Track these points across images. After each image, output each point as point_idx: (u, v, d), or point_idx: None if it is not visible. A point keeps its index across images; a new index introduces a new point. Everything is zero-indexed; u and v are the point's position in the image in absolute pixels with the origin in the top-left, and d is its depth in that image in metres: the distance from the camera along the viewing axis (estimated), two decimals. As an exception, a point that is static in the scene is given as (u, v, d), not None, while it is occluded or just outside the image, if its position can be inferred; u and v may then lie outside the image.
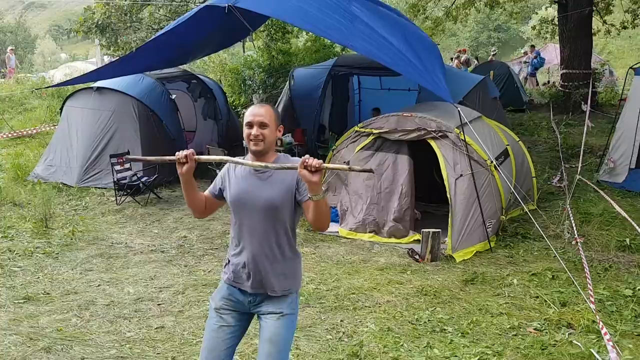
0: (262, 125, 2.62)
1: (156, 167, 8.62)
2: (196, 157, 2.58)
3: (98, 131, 9.02)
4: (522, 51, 22.91)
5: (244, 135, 2.66)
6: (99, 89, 9.18)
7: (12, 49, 22.22)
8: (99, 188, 8.80)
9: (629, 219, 5.00)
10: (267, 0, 7.41)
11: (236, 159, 2.68)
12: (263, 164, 2.57)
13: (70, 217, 7.65)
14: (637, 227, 4.81)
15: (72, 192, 8.71)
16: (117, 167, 8.43)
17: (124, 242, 6.76)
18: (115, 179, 8.34)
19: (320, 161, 2.38)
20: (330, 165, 2.60)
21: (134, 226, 7.40)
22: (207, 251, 6.45)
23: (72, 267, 5.89)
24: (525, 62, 19.93)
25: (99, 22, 10.51)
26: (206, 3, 7.49)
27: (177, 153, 2.56)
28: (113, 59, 14.25)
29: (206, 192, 2.81)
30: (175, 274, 5.72)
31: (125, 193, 8.38)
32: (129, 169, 8.62)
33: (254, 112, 2.64)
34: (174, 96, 10.03)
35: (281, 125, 2.72)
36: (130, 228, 7.32)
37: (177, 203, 8.27)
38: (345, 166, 2.61)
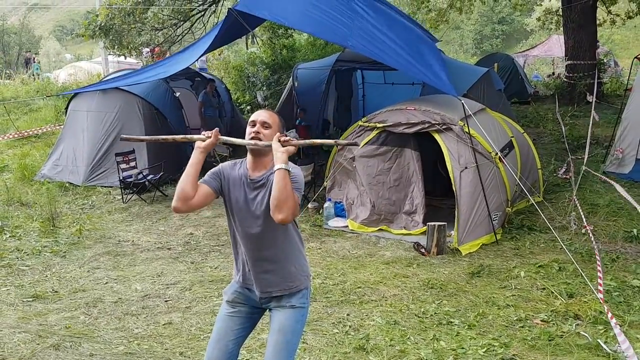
0: (265, 124, 2.66)
1: (162, 165, 8.65)
2: (220, 137, 2.63)
3: (103, 130, 9.07)
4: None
5: (246, 133, 2.69)
6: (103, 89, 9.21)
7: (34, 56, 22.46)
8: (105, 187, 8.85)
9: (634, 203, 4.97)
10: (266, 3, 7.44)
11: (254, 141, 2.66)
12: (263, 143, 2.61)
13: (77, 215, 7.70)
14: None
15: (79, 191, 8.76)
16: (123, 166, 8.47)
17: (130, 239, 6.79)
18: (121, 177, 8.38)
19: (289, 138, 2.54)
20: (318, 141, 2.71)
21: (140, 224, 7.43)
22: (213, 248, 6.47)
23: (79, 265, 5.93)
24: None
25: (103, 25, 10.54)
26: (229, 8, 7.58)
27: (202, 132, 2.65)
28: (118, 59, 14.34)
29: (201, 182, 2.65)
30: (182, 270, 5.75)
31: (131, 191, 8.43)
32: (135, 167, 8.65)
33: (259, 113, 2.72)
34: (178, 94, 10.06)
35: (284, 133, 2.74)
36: (136, 226, 7.35)
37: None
38: (330, 141, 2.71)
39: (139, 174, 8.50)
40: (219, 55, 15.54)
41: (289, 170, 2.46)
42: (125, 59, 14.06)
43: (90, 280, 5.50)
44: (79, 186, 8.90)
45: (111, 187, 8.79)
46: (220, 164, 2.79)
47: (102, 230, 7.13)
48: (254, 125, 2.66)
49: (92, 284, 5.39)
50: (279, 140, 2.53)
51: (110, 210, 8.00)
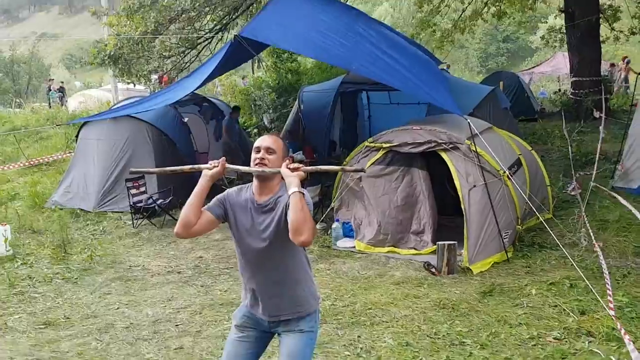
0: (269, 150, 2.69)
1: (171, 190, 8.72)
2: (227, 165, 2.68)
3: (114, 157, 9.18)
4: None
5: (252, 159, 2.72)
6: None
7: (58, 87, 22.72)
8: (115, 212, 8.93)
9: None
10: (271, 29, 7.60)
11: (261, 169, 2.68)
12: (270, 170, 2.63)
13: (88, 242, 7.76)
14: None
15: (90, 217, 8.84)
16: (133, 191, 8.57)
17: (141, 264, 6.83)
18: (131, 203, 8.46)
19: (299, 165, 2.57)
20: (324, 167, 2.73)
21: (151, 248, 7.47)
22: (223, 270, 6.49)
23: (91, 292, 5.96)
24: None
25: (112, 54, 10.77)
26: (234, 35, 7.74)
27: (210, 162, 2.70)
28: (127, 86, 14.58)
29: (205, 210, 2.69)
30: (192, 294, 5.76)
31: (141, 216, 8.49)
32: (145, 192, 8.74)
33: (263, 139, 2.74)
34: (186, 119, 10.19)
35: (289, 157, 2.77)
36: (147, 250, 7.40)
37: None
38: (337, 167, 2.75)
39: (148, 198, 8.58)
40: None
41: (303, 193, 2.49)
42: (134, 86, 14.28)
43: (101, 306, 5.52)
44: (90, 212, 8.98)
45: (122, 212, 8.87)
46: (226, 190, 2.82)
47: (113, 256, 7.18)
48: (258, 152, 2.69)
49: (103, 310, 5.41)
50: (288, 167, 2.57)
51: (121, 236, 8.06)
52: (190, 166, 2.81)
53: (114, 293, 5.89)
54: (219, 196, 2.78)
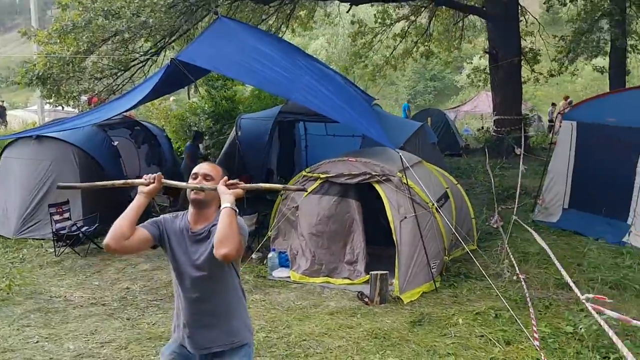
0: (207, 176, 2.67)
1: (97, 217, 8.36)
2: (163, 180, 2.61)
3: (37, 180, 8.70)
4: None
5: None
6: (38, 137, 8.91)
7: None
8: (37, 239, 8.47)
9: (554, 259, 5.26)
10: (209, 54, 7.60)
11: (198, 184, 2.64)
12: (208, 186, 2.60)
13: (7, 270, 7.24)
14: (557, 264, 5.06)
15: (9, 244, 8.33)
16: (56, 217, 8.13)
17: (63, 295, 6.46)
18: (54, 230, 8.02)
19: (237, 181, 2.58)
20: (266, 185, 2.77)
21: (74, 278, 7.09)
22: (151, 302, 6.25)
23: (8, 324, 5.57)
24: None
25: (40, 74, 10.32)
26: (171, 58, 7.62)
27: (145, 176, 2.60)
28: (55, 108, 13.96)
29: (140, 227, 2.61)
30: (117, 327, 5.50)
31: (64, 244, 8.06)
32: (69, 218, 8.32)
33: (201, 166, 2.74)
34: (116, 143, 9.88)
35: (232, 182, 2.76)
36: (69, 280, 7.01)
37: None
38: (279, 186, 2.78)
39: (72, 225, 8.18)
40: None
41: (235, 210, 2.46)
42: (62, 108, 13.69)
43: (19, 339, 5.16)
44: (9, 239, 8.47)
45: (43, 239, 8.40)
46: (162, 216, 2.76)
47: (33, 286, 6.75)
48: (195, 178, 2.67)
49: (21, 343, 5.06)
50: (226, 185, 2.55)
51: (42, 264, 7.60)
52: (123, 181, 2.72)
53: (33, 325, 5.53)
54: (154, 218, 2.71)
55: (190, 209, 2.70)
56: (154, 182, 2.57)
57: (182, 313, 2.69)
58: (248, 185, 2.65)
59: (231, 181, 2.57)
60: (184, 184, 2.69)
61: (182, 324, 2.70)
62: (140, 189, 2.58)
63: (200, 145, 13.13)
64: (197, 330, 2.65)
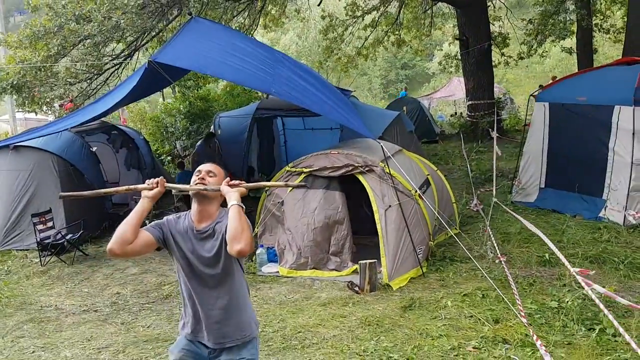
0: (210, 173, 2.76)
1: (81, 223, 8.30)
2: (166, 184, 2.65)
3: (17, 191, 8.57)
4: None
5: (192, 182, 2.75)
6: (15, 147, 8.77)
7: None
8: (21, 250, 8.36)
9: (545, 239, 5.44)
10: (187, 54, 7.56)
11: (202, 186, 2.70)
12: (211, 187, 2.67)
13: (-7, 283, 7.19)
14: (550, 244, 5.26)
15: (-8, 257, 8.20)
16: (40, 227, 8.04)
17: (53, 304, 6.43)
18: (38, 239, 7.93)
19: (239, 181, 2.65)
20: (268, 183, 2.84)
21: (62, 287, 7.05)
22: (143, 306, 6.27)
23: (2, 336, 5.55)
24: None
25: (15, 83, 10.12)
26: (148, 59, 7.54)
27: (147, 181, 2.65)
28: (28, 115, 13.71)
29: (144, 230, 2.65)
30: (112, 332, 5.52)
31: (49, 253, 7.98)
32: (52, 227, 8.24)
33: (205, 164, 2.82)
34: (94, 148, 9.80)
35: (229, 175, 2.85)
36: (58, 289, 6.97)
37: (106, 259, 7.96)
38: (281, 183, 2.83)
39: (57, 234, 8.10)
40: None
41: (242, 207, 2.54)
42: (36, 114, 13.46)
43: (15, 351, 5.14)
44: (-8, 251, 8.33)
45: (27, 250, 8.31)
46: (165, 217, 2.81)
47: (22, 297, 6.70)
48: (199, 173, 2.75)
49: (17, 355, 5.05)
50: (228, 185, 2.63)
51: (28, 275, 7.52)
52: (127, 187, 2.74)
53: (27, 336, 5.51)
54: (157, 221, 2.76)
55: (193, 207, 2.74)
56: (157, 186, 2.63)
57: (194, 309, 2.73)
58: (251, 184, 2.72)
59: (234, 181, 2.64)
60: (187, 186, 2.74)
61: (194, 320, 2.74)
62: (144, 193, 2.62)
63: (178, 145, 13.09)
64: (211, 326, 2.71)
